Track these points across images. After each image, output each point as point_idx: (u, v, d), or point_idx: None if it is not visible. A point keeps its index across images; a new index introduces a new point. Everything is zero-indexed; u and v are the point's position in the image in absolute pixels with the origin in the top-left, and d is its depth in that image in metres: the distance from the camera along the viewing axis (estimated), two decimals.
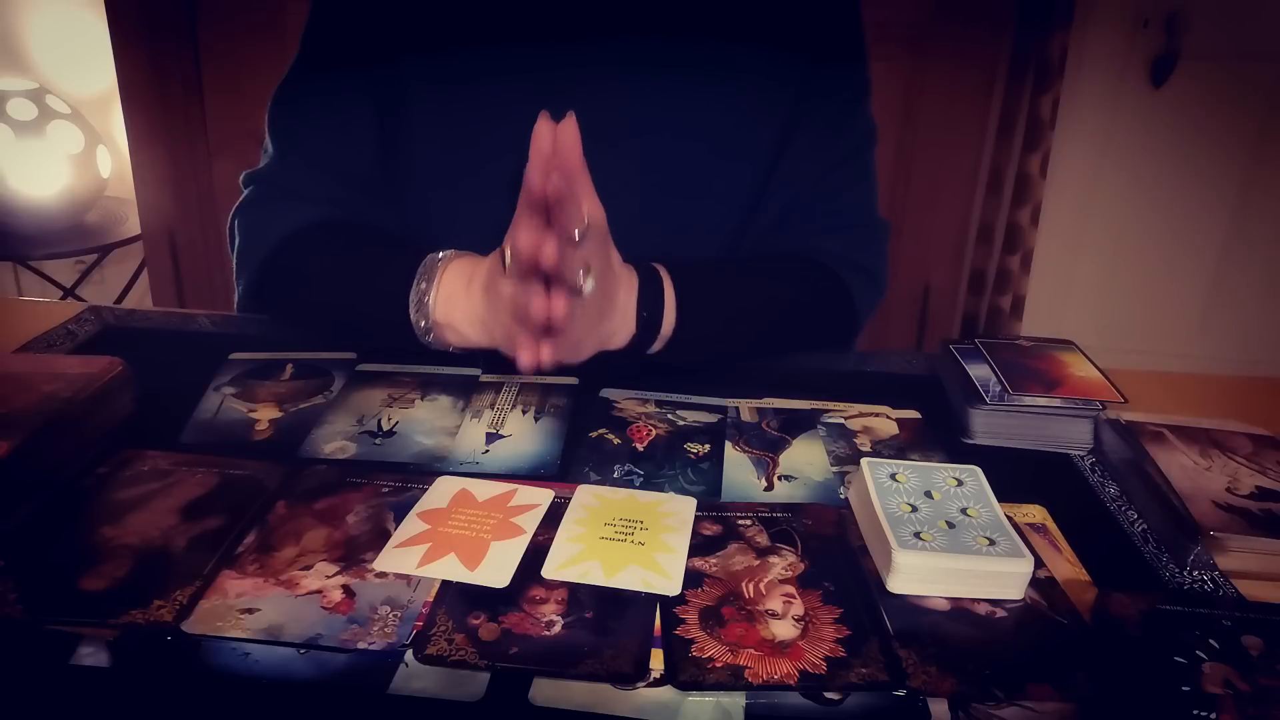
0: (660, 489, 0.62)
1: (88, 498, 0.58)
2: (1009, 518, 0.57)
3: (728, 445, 0.68)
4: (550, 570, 0.53)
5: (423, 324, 0.70)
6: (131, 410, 0.67)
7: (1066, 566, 0.56)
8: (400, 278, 0.71)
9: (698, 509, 0.59)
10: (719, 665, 0.47)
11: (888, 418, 0.73)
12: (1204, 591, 0.55)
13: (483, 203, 0.80)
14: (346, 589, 0.51)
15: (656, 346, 0.74)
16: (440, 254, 0.71)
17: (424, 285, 0.70)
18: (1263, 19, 1.96)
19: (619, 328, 0.70)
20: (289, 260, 0.80)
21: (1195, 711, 0.42)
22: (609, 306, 0.67)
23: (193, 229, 1.95)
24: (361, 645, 0.47)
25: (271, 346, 0.79)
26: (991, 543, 0.54)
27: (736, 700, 0.45)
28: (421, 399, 0.72)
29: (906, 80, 1.76)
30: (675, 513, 0.59)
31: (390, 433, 0.67)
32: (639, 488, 0.62)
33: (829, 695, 0.46)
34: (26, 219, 1.94)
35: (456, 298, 0.69)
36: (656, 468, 0.64)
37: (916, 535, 0.54)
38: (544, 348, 0.60)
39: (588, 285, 0.60)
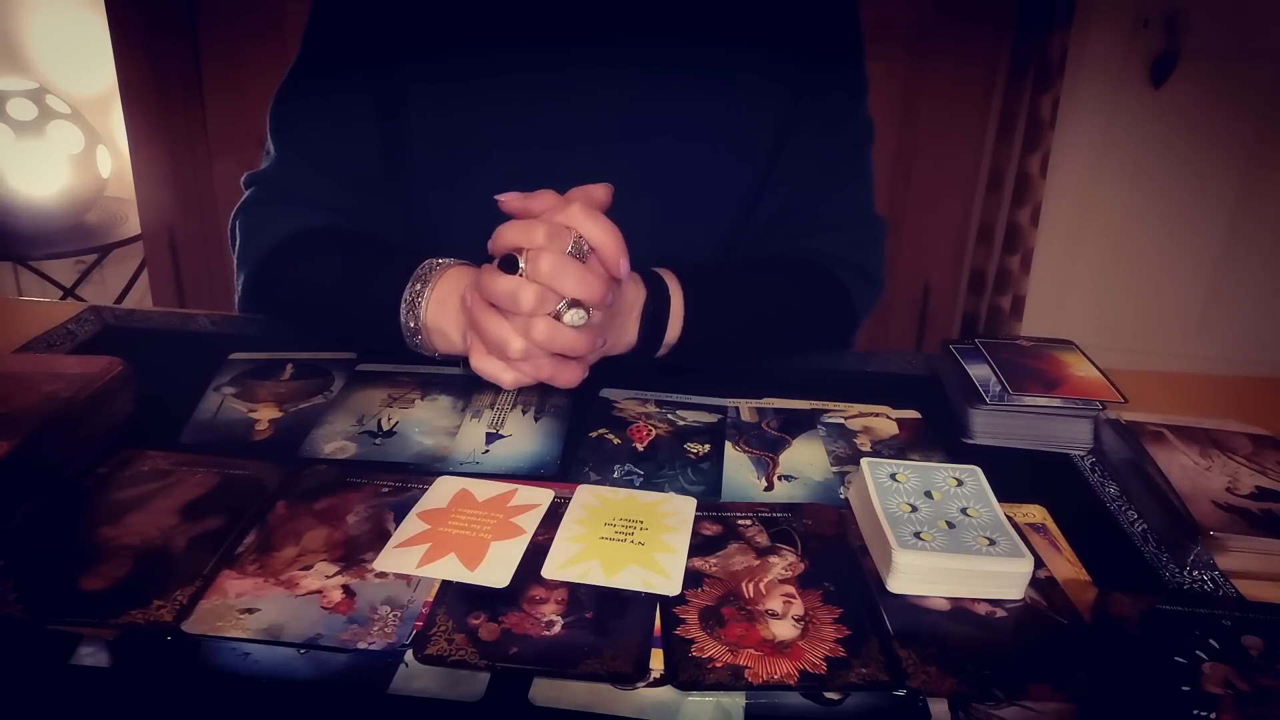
0: (660, 489, 0.62)
1: (88, 498, 0.58)
2: (1009, 518, 0.57)
3: (728, 445, 0.68)
4: (550, 570, 0.53)
5: (411, 324, 0.70)
6: (131, 410, 0.67)
7: (1066, 566, 0.56)
8: (393, 283, 0.71)
9: (698, 509, 0.59)
10: (719, 665, 0.47)
11: (888, 418, 0.73)
12: (1204, 591, 0.55)
13: (483, 201, 0.79)
14: (346, 589, 0.51)
15: (660, 353, 0.74)
16: (441, 260, 0.71)
17: (418, 287, 0.70)
18: (1263, 19, 1.96)
19: (622, 335, 0.71)
20: (286, 263, 0.80)
21: (1195, 711, 0.42)
22: (611, 322, 0.68)
23: (193, 229, 1.95)
24: (361, 645, 0.47)
25: (271, 346, 0.79)
26: (991, 543, 0.54)
27: (736, 700, 0.45)
28: (421, 399, 0.72)
29: (906, 80, 1.76)
30: (675, 513, 0.59)
31: (390, 433, 0.67)
32: (639, 488, 0.62)
33: (829, 695, 0.46)
34: (26, 219, 1.94)
35: (449, 302, 0.69)
36: (656, 468, 0.64)
37: (916, 535, 0.54)
38: (558, 368, 0.63)
39: (570, 317, 0.60)
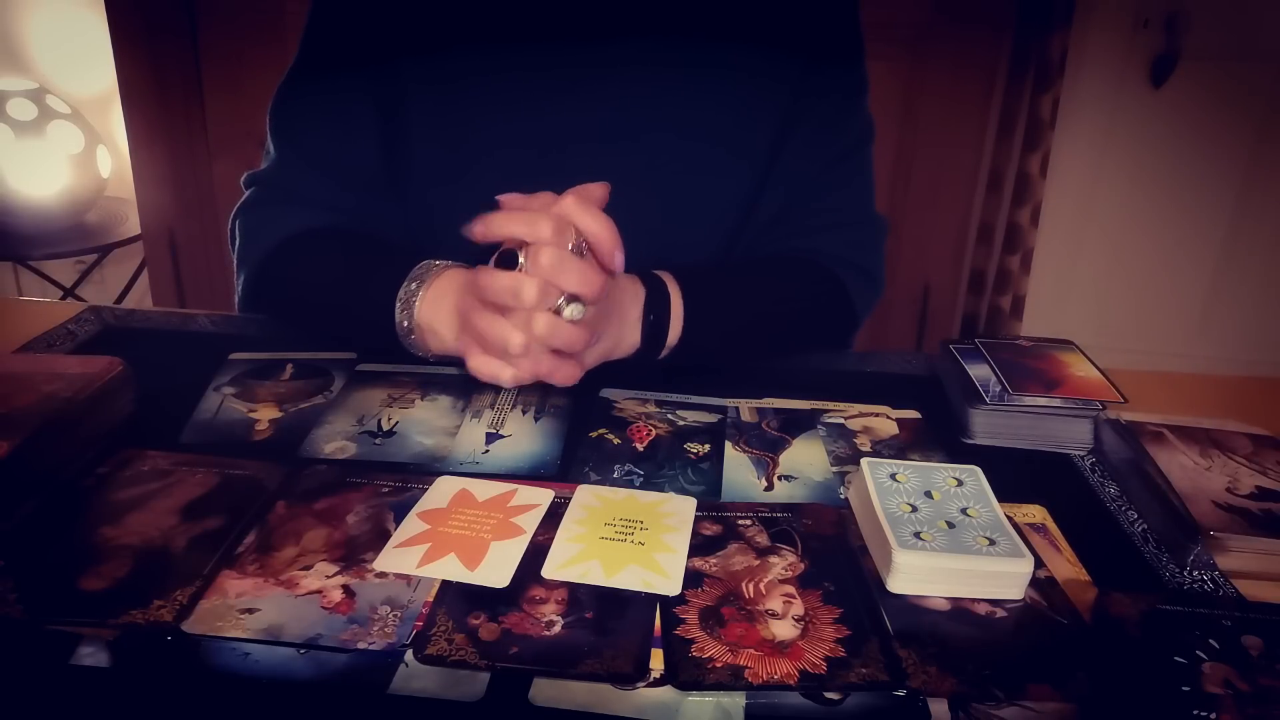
0: (660, 489, 0.62)
1: (88, 498, 0.58)
2: (1009, 518, 0.57)
3: (728, 445, 0.68)
4: (550, 570, 0.53)
5: (405, 323, 0.70)
6: (131, 410, 0.67)
7: (1066, 566, 0.56)
8: (389, 283, 0.71)
9: (698, 509, 0.59)
10: (719, 665, 0.47)
11: (888, 418, 0.73)
12: (1204, 591, 0.55)
13: (483, 200, 0.80)
14: (346, 589, 0.51)
15: (662, 355, 0.74)
16: (438, 261, 0.72)
17: (414, 286, 0.70)
18: (1263, 19, 1.96)
19: (624, 338, 0.71)
20: (286, 263, 0.80)
21: (1195, 711, 0.42)
22: (607, 321, 0.68)
23: (193, 229, 1.95)
24: (361, 645, 0.47)
25: (271, 346, 0.79)
26: (991, 543, 0.54)
27: (736, 700, 0.45)
28: (421, 399, 0.72)
29: (906, 80, 1.76)
30: (675, 513, 0.59)
31: (390, 433, 0.67)
32: (639, 488, 0.62)
33: (829, 695, 0.46)
34: (26, 219, 1.95)
35: (443, 302, 0.69)
36: (656, 468, 0.64)
37: (916, 535, 0.54)
38: (547, 362, 0.63)
39: (569, 312, 0.61)
